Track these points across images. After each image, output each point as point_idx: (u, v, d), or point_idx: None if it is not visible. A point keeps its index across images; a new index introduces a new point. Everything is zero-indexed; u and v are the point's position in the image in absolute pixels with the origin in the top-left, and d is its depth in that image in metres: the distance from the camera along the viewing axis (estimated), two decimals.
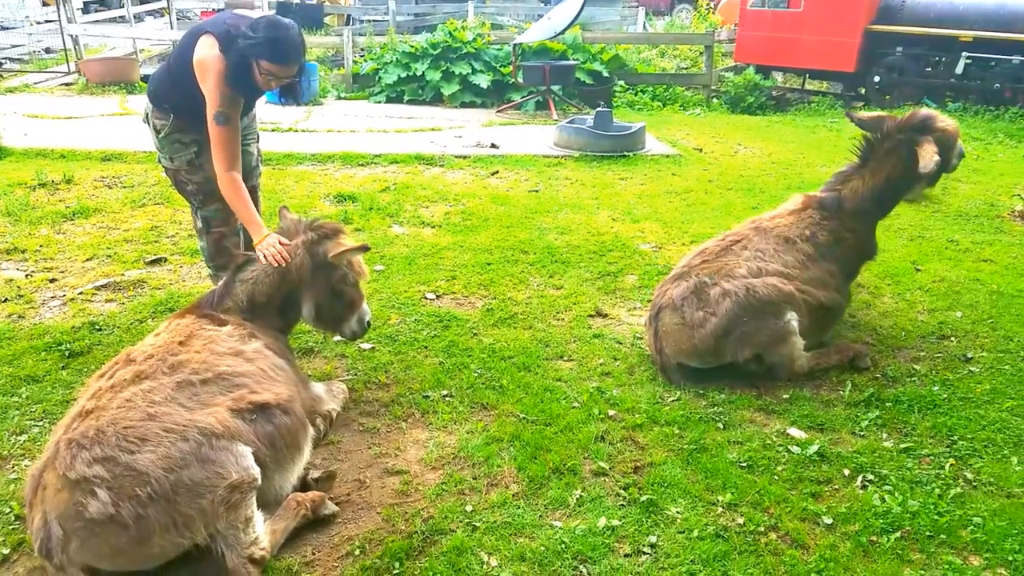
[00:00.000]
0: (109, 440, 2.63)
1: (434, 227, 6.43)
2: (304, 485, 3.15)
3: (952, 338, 4.59)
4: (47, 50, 16.32)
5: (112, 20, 18.26)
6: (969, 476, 3.30)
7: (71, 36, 14.09)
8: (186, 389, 2.89)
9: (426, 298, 5.07)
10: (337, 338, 4.09)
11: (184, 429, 2.72)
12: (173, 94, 3.99)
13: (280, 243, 3.57)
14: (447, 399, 3.89)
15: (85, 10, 20.03)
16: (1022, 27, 12.07)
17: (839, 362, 4.18)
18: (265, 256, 3.53)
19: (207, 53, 3.71)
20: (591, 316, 4.88)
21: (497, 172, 8.32)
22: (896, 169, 4.29)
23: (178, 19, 19.63)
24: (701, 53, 14.71)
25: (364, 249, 3.62)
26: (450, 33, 13.25)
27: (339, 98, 13.18)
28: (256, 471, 2.78)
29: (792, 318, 3.98)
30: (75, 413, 2.82)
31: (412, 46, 13.22)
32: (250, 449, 2.82)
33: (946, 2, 13.09)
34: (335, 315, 3.73)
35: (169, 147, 4.10)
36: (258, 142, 4.52)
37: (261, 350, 3.27)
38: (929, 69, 13.20)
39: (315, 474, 3.21)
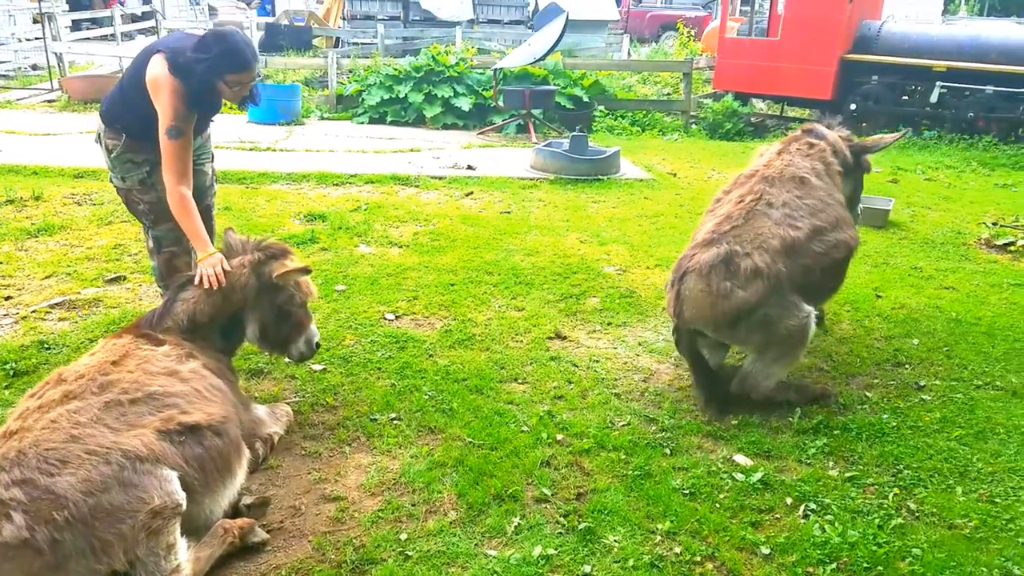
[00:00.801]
0: (29, 462, 2.55)
1: (401, 247, 6.37)
2: (236, 511, 3.06)
3: (907, 366, 4.54)
4: (34, 67, 16.27)
5: (103, 38, 18.25)
6: (912, 506, 3.24)
7: (55, 54, 14.04)
8: (113, 409, 2.81)
9: (385, 319, 4.99)
10: (287, 360, 4.01)
11: (107, 451, 2.64)
12: (126, 114, 3.93)
13: (222, 265, 3.50)
14: (395, 422, 3.81)
15: (76, 27, 20.03)
16: (995, 58, 12.17)
17: (797, 402, 4.02)
18: (202, 276, 3.45)
19: (159, 71, 3.66)
20: (550, 338, 4.81)
21: (472, 193, 8.27)
22: None
23: None
24: (681, 80, 14.76)
25: (306, 271, 3.55)
26: (433, 57, 13.27)
27: (322, 118, 13.14)
28: (180, 496, 2.69)
29: (811, 313, 3.92)
30: (0, 434, 2.74)
31: (396, 69, 13.23)
32: (176, 473, 2.73)
33: (920, 32, 13.22)
34: (281, 336, 3.66)
35: (121, 167, 4.03)
36: (213, 162, 4.46)
37: (198, 370, 3.19)
38: (905, 97, 13.28)
39: (248, 500, 3.12)
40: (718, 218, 4.12)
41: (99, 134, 4.08)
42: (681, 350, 4.13)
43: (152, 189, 4.01)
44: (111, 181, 4.19)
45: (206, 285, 3.44)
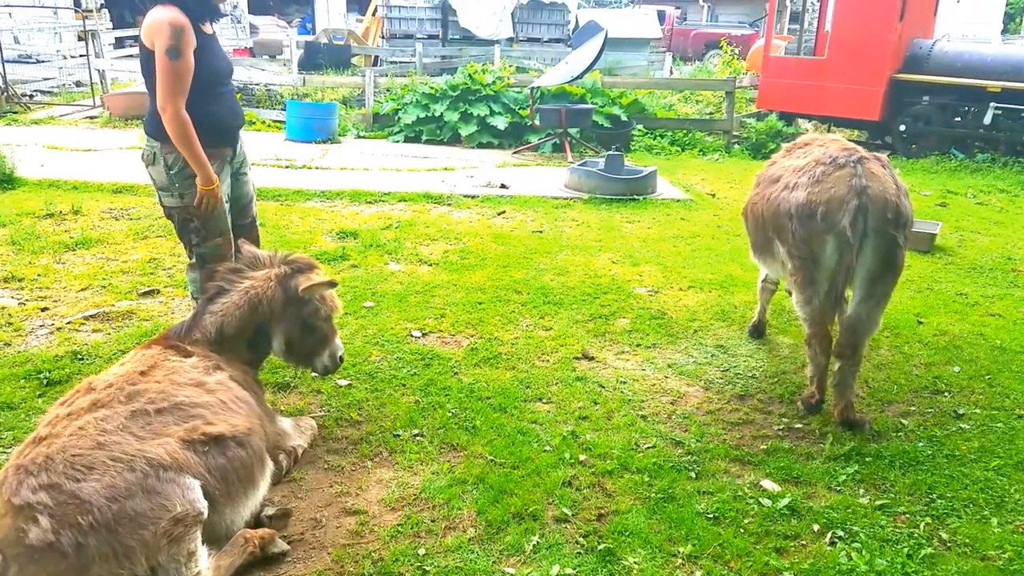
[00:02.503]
0: (56, 467, 2.67)
1: (431, 265, 6.48)
2: (258, 522, 3.16)
3: (946, 393, 4.51)
4: (77, 83, 16.83)
5: None
6: (944, 536, 3.23)
7: (98, 70, 14.51)
8: (140, 418, 2.92)
9: (412, 336, 5.09)
10: (313, 373, 4.11)
11: (131, 459, 2.75)
12: None
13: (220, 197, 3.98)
14: (417, 438, 3.89)
15: (120, 45, 20.65)
16: None
17: (836, 416, 4.08)
18: (201, 199, 3.99)
19: (155, 14, 3.86)
20: (577, 358, 4.87)
21: (504, 212, 8.38)
22: None
23: None
24: (723, 99, 14.77)
25: (332, 284, 3.66)
26: (470, 75, 13.46)
27: (358, 137, 13.38)
28: (202, 504, 2.79)
29: None
30: (30, 440, 2.87)
31: (432, 87, 13.43)
32: (199, 482, 2.83)
33: (973, 52, 13.07)
34: (306, 349, 3.77)
35: (182, 183, 4.08)
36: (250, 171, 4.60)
37: (224, 381, 3.31)
38: (957, 119, 13.13)
39: (269, 511, 3.21)
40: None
41: (153, 153, 4.09)
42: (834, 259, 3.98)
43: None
44: (163, 202, 4.23)
45: (199, 208, 3.88)
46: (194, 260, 4.32)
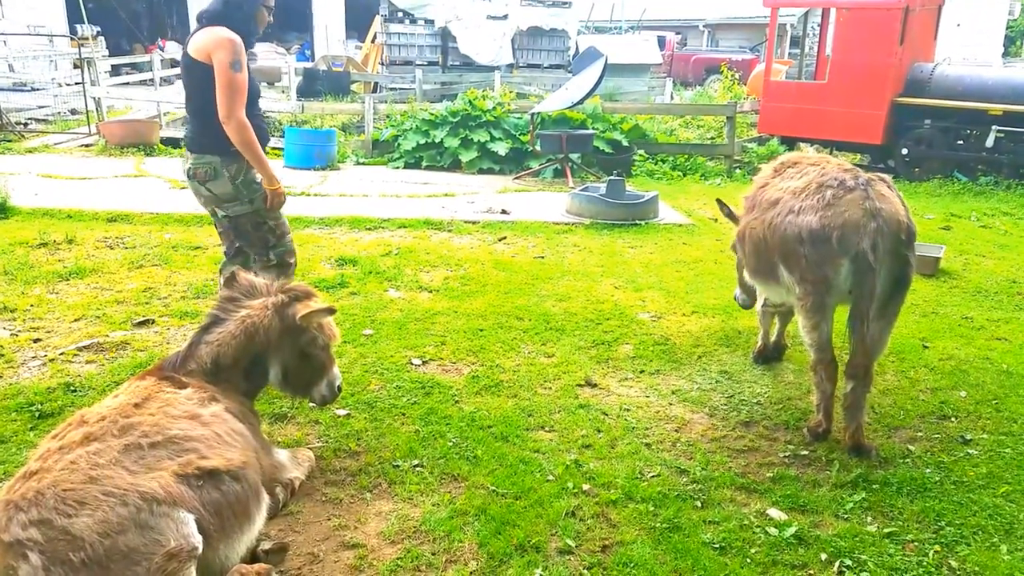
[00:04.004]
0: (47, 503, 2.64)
1: (431, 292, 6.47)
2: (254, 556, 3.12)
3: (953, 419, 4.49)
4: (73, 111, 16.93)
5: (142, 83, 18.94)
6: (954, 564, 3.20)
7: (94, 98, 14.61)
8: (133, 452, 2.90)
9: (412, 364, 5.08)
10: (311, 403, 4.09)
11: (124, 493, 2.72)
12: (224, 134, 4.27)
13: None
14: (417, 469, 3.86)
15: (116, 72, 20.82)
16: None
17: (847, 440, 4.07)
18: (271, 201, 4.41)
19: (215, 33, 4.20)
20: (580, 386, 4.85)
21: (505, 238, 8.39)
22: None
23: None
24: (724, 124, 14.86)
25: (331, 311, 3.65)
26: (470, 102, 13.55)
27: (357, 163, 13.44)
28: (197, 539, 2.76)
29: None
30: (20, 474, 2.84)
31: (432, 114, 13.52)
32: (193, 516, 2.80)
33: (974, 75, 13.18)
34: (304, 379, 3.75)
35: (248, 190, 4.43)
36: None
37: (220, 414, 3.28)
38: (959, 142, 13.19)
39: (266, 545, 3.18)
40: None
41: (213, 168, 4.37)
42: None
43: None
44: (229, 214, 4.50)
45: (276, 208, 4.40)
46: (274, 261, 4.60)
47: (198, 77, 4.29)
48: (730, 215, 5.15)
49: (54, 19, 22.26)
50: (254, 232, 4.56)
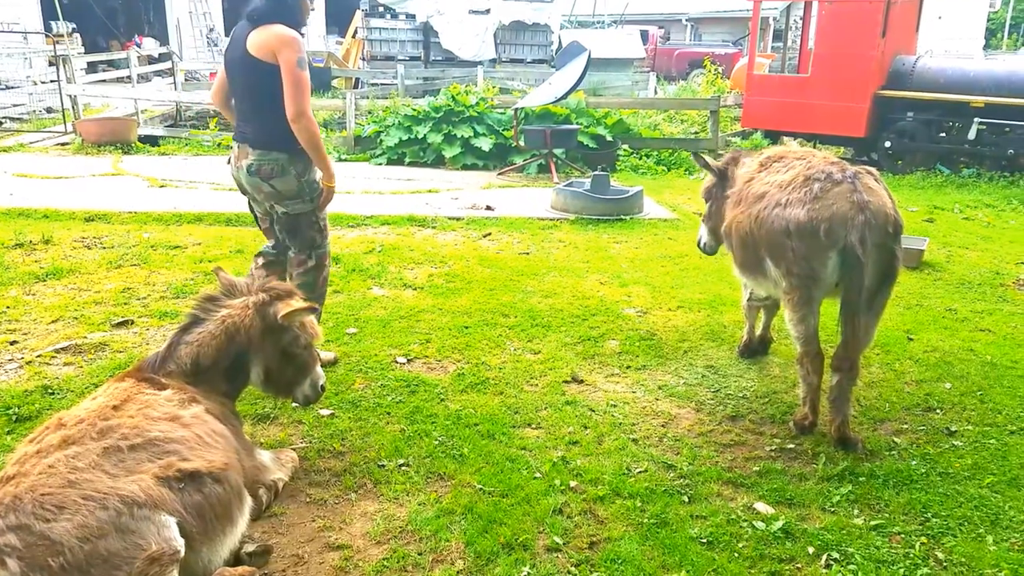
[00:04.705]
0: (25, 508, 2.61)
1: (416, 289, 6.45)
2: (237, 559, 3.09)
3: (938, 410, 4.52)
4: (48, 109, 16.76)
5: (119, 80, 18.78)
6: (940, 556, 3.21)
7: (70, 96, 14.47)
8: (112, 455, 2.87)
9: (396, 362, 5.06)
10: (293, 403, 4.07)
11: (104, 497, 2.69)
12: (292, 133, 4.37)
13: None
14: (403, 468, 3.85)
15: (92, 69, 20.64)
16: None
17: (833, 432, 4.09)
18: (325, 198, 4.57)
19: (276, 30, 4.28)
20: (566, 382, 4.85)
21: (490, 234, 8.38)
22: None
23: (186, 79, 20.19)
24: (708, 118, 14.90)
25: (312, 310, 3.63)
26: (453, 97, 13.51)
27: (339, 160, 13.37)
28: (179, 543, 2.73)
29: None
30: None
31: (415, 109, 13.48)
32: (174, 519, 2.77)
33: (956, 68, 13.26)
34: (286, 379, 3.72)
35: (310, 188, 4.56)
36: None
37: (200, 415, 3.25)
38: (942, 135, 13.29)
39: (249, 548, 3.15)
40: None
41: (280, 166, 4.45)
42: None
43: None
44: (289, 211, 4.59)
45: (324, 206, 4.60)
46: (313, 263, 4.75)
47: (261, 76, 4.34)
48: (706, 165, 5.18)
49: (28, 16, 21.99)
50: (307, 230, 4.68)
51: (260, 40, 4.29)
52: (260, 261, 4.94)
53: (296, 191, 4.52)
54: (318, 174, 4.60)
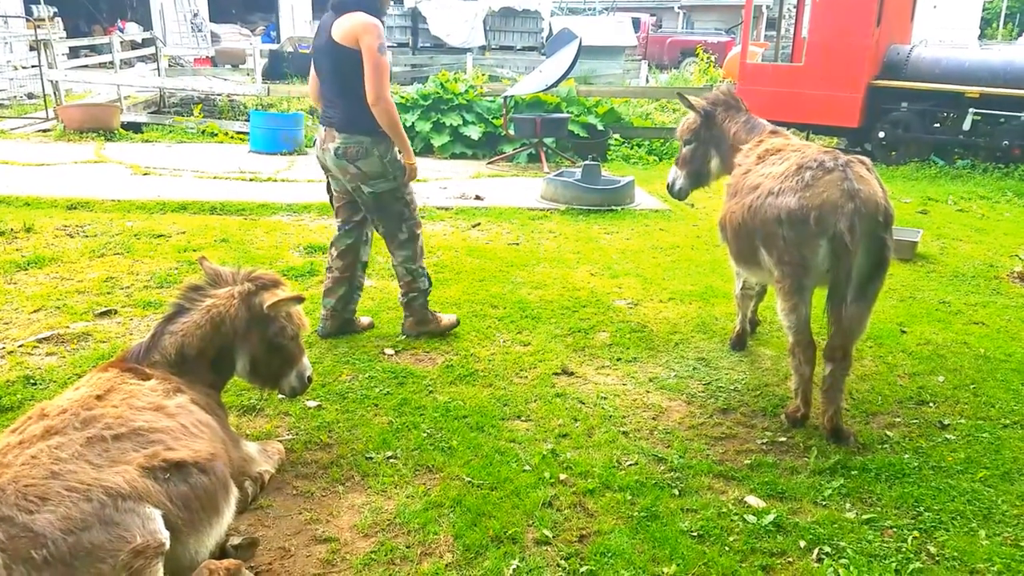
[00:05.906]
0: (8, 499, 2.60)
1: None
2: (223, 552, 3.09)
3: (931, 404, 4.55)
4: (29, 95, 16.66)
5: (102, 65, 18.64)
6: (932, 550, 3.24)
7: (51, 82, 14.37)
8: (96, 445, 2.86)
9: (384, 353, 5.06)
10: (280, 395, 4.06)
11: (88, 488, 2.68)
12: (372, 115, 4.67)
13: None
14: (391, 461, 3.85)
15: (75, 54, 20.47)
16: None
17: (825, 424, 4.12)
18: (409, 175, 4.93)
19: (361, 18, 4.57)
20: (556, 374, 4.86)
21: (479, 224, 8.38)
22: None
23: (169, 65, 20.07)
24: None
25: (300, 300, 3.63)
26: (442, 84, 13.48)
27: None
28: (164, 535, 2.73)
29: None
30: None
31: (403, 97, 13.43)
32: (159, 511, 2.77)
33: (951, 57, 13.30)
34: (272, 370, 3.72)
35: (394, 167, 4.87)
36: None
37: (185, 405, 3.24)
38: (936, 125, 13.33)
39: (235, 540, 3.15)
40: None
41: (364, 148, 4.76)
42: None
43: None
44: (374, 190, 4.89)
45: (409, 182, 4.94)
46: (405, 235, 5.10)
47: (345, 61, 4.63)
48: (691, 106, 5.32)
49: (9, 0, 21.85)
50: (393, 206, 4.98)
51: (343, 27, 4.59)
52: (334, 252, 5.28)
53: (380, 171, 4.83)
54: (399, 153, 4.89)
